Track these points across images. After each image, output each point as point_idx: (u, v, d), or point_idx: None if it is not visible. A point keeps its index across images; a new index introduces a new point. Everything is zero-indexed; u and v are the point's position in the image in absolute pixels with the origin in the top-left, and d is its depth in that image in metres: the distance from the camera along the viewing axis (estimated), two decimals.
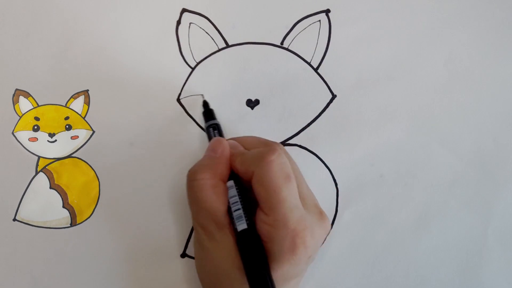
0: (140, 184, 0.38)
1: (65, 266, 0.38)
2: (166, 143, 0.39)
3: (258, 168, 0.30)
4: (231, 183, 0.32)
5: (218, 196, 0.31)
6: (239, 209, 0.31)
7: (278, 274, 0.29)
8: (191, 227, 0.38)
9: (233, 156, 0.33)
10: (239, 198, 0.31)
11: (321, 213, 0.33)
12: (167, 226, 0.38)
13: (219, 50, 0.39)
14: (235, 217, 0.31)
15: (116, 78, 0.39)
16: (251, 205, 0.31)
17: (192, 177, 0.32)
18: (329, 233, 0.34)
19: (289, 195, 0.30)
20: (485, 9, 0.40)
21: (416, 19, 0.40)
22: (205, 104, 0.38)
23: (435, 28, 0.40)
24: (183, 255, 0.39)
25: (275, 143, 0.34)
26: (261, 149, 0.31)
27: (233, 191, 0.32)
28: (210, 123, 0.36)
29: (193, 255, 0.38)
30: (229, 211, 0.31)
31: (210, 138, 0.36)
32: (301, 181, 0.33)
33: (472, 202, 0.40)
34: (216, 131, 0.36)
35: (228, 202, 0.32)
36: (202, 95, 0.39)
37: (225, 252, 0.31)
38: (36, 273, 0.37)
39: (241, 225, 0.30)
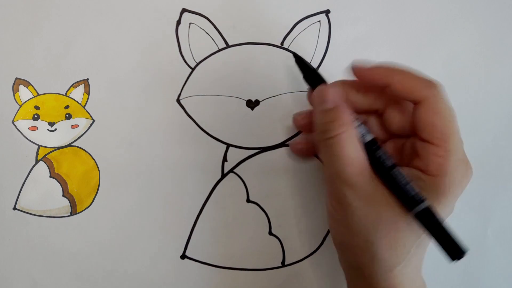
0: (140, 182, 0.38)
1: (64, 256, 0.38)
2: (165, 143, 0.39)
3: (433, 95, 0.29)
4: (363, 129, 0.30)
5: (359, 147, 0.29)
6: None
7: (449, 209, 0.30)
8: (191, 228, 0.38)
9: (392, 72, 0.30)
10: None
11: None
12: (167, 227, 0.38)
13: (219, 50, 0.39)
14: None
15: (115, 79, 0.39)
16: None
17: (329, 134, 0.29)
18: None
19: (458, 126, 0.29)
20: (484, 9, 0.41)
21: (415, 20, 0.40)
22: (297, 57, 0.35)
23: (434, 29, 0.41)
24: (183, 256, 0.38)
25: None
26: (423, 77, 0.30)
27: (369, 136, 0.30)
28: (312, 69, 0.34)
29: (193, 257, 0.38)
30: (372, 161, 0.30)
31: (314, 84, 0.33)
32: None
33: (472, 202, 0.40)
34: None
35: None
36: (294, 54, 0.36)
37: (382, 205, 0.29)
38: (36, 262, 0.37)
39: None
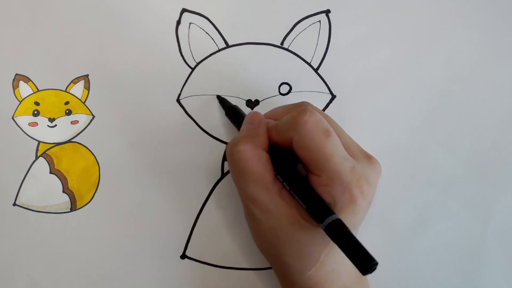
0: (139, 181, 0.38)
1: (64, 252, 0.38)
2: (165, 143, 0.39)
3: (295, 133, 0.29)
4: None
5: (265, 165, 0.31)
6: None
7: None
8: (191, 228, 0.38)
9: (268, 130, 0.32)
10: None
11: (369, 157, 0.32)
12: (167, 227, 0.38)
13: (219, 50, 0.39)
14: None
15: (116, 76, 0.39)
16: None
17: (234, 150, 0.31)
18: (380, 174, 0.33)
19: (334, 149, 0.29)
20: (484, 9, 0.41)
21: (415, 20, 0.40)
22: (220, 98, 0.39)
23: (434, 29, 0.41)
24: (183, 256, 0.38)
25: (304, 103, 0.34)
26: (292, 113, 0.30)
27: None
28: (230, 106, 0.37)
29: (193, 257, 0.38)
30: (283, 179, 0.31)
31: (236, 120, 0.36)
32: (341, 132, 0.33)
33: (471, 202, 0.40)
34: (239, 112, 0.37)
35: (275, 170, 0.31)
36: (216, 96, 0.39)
37: (282, 219, 0.30)
38: (35, 258, 0.37)
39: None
